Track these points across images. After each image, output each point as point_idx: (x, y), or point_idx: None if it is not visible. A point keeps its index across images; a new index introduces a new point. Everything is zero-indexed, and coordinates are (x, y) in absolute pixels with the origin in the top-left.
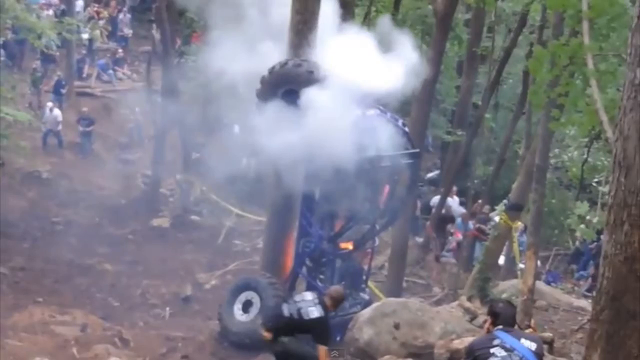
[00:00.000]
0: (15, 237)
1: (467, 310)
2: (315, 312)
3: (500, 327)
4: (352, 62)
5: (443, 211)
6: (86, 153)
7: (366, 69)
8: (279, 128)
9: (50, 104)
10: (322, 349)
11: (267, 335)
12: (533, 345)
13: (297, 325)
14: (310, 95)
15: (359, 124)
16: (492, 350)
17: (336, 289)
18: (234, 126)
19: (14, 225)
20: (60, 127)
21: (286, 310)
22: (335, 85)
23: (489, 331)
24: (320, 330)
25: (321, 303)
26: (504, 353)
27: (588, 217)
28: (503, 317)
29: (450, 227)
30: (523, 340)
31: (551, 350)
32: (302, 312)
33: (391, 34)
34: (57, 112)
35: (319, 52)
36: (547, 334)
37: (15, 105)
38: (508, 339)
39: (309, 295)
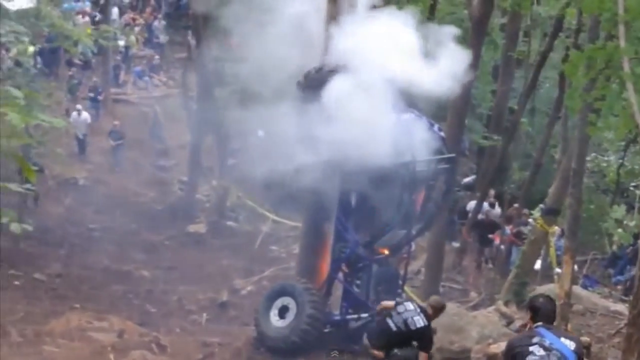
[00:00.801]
0: (53, 244)
1: (503, 315)
2: (420, 321)
3: (540, 324)
4: (391, 59)
5: (481, 216)
6: (119, 165)
7: (407, 68)
8: (314, 130)
9: (79, 106)
10: (423, 356)
11: (377, 353)
12: (572, 345)
13: (406, 336)
14: (341, 94)
15: (394, 127)
16: (530, 349)
17: (436, 298)
18: (258, 131)
19: (51, 232)
20: (86, 131)
21: (392, 324)
22: (368, 85)
23: (526, 327)
24: (425, 339)
25: (423, 312)
26: (542, 352)
27: (625, 221)
28: (543, 312)
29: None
30: (563, 339)
31: (588, 355)
32: (409, 323)
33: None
34: (85, 115)
35: (355, 49)
36: (585, 339)
37: (52, 113)
38: (548, 337)
39: (411, 305)
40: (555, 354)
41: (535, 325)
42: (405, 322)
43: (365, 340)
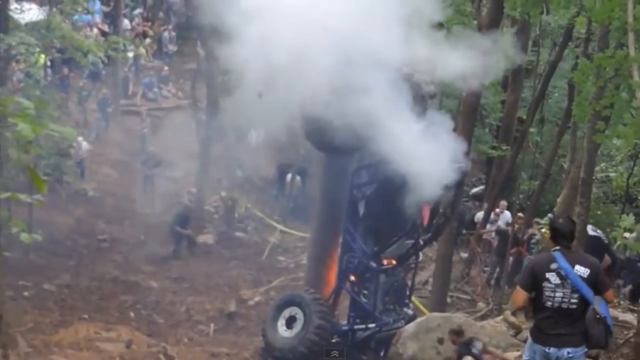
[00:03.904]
0: (62, 255)
1: (511, 325)
2: None
3: (558, 248)
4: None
5: (490, 227)
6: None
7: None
8: None
9: (80, 138)
10: None
11: None
12: (586, 272)
13: None
14: None
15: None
16: (547, 275)
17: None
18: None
19: (61, 243)
20: (84, 156)
21: None
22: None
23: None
24: None
25: None
26: (558, 281)
27: (626, 234)
28: (561, 232)
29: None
30: (577, 267)
31: None
32: None
33: None
34: (85, 145)
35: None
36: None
37: (62, 124)
38: (563, 264)
39: None
40: (569, 283)
41: (554, 248)
42: None
43: None
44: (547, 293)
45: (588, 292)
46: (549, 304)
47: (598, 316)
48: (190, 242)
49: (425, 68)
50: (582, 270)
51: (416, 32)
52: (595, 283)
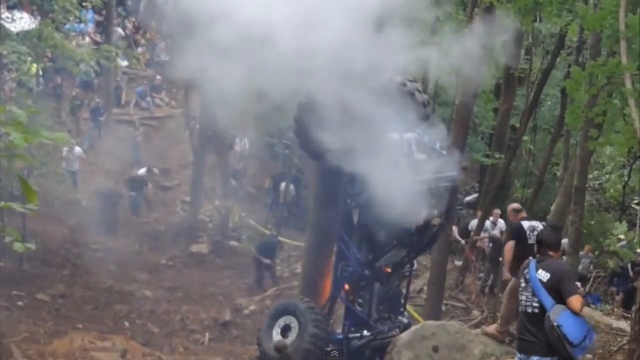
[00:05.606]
0: (56, 265)
1: (491, 337)
2: None
3: (538, 257)
4: None
5: (484, 235)
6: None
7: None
8: None
9: (73, 141)
10: None
11: None
12: (546, 276)
13: None
14: None
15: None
16: (521, 280)
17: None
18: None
19: (55, 253)
20: (77, 167)
21: None
22: None
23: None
24: None
25: None
26: (524, 284)
27: (621, 237)
28: (546, 243)
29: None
30: (540, 272)
31: None
32: None
33: None
34: (78, 150)
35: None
36: (587, 356)
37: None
38: (531, 271)
39: None
40: (530, 286)
41: (535, 258)
42: None
43: None
44: (518, 297)
45: (546, 297)
46: (519, 307)
47: (551, 324)
48: (271, 273)
49: (418, 76)
50: (542, 275)
51: (408, 39)
52: (558, 290)
